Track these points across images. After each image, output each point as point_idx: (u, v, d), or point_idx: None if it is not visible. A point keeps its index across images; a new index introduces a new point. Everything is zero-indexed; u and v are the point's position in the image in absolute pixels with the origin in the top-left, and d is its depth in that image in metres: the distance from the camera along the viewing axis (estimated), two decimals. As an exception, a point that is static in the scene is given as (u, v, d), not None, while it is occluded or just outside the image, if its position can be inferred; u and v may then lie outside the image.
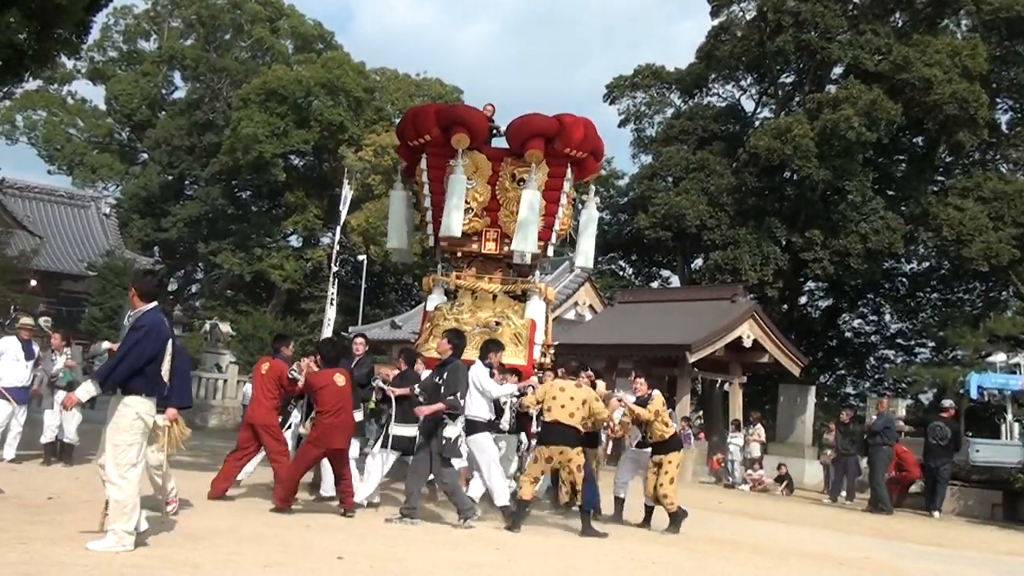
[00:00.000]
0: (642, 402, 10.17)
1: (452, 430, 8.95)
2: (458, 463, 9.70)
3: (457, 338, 9.40)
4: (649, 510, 10.54)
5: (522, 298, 12.94)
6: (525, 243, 12.16)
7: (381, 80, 45.70)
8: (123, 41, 50.36)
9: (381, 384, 10.02)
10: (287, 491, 8.98)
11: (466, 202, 12.49)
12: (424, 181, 12.90)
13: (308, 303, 41.92)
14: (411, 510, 8.91)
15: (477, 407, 9.51)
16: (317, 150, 43.05)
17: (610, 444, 12.27)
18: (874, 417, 17.90)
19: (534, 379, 10.58)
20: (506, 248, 12.66)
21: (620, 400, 10.22)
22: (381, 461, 9.76)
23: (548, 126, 12.37)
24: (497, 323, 12.28)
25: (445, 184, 12.41)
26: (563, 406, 9.29)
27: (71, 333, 23.81)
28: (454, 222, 12.21)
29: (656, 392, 10.35)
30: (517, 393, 10.08)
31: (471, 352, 11.50)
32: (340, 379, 9.07)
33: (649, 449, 10.39)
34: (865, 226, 29.99)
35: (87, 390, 6.47)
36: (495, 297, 12.80)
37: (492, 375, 9.81)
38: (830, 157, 29.83)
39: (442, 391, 8.94)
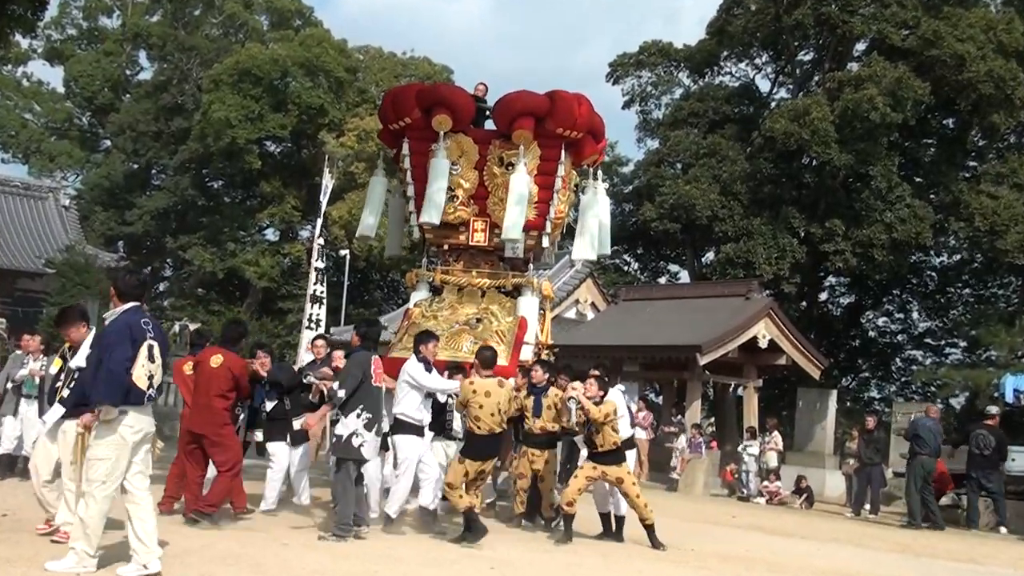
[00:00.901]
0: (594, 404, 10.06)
1: (342, 427, 8.76)
2: (405, 480, 9.63)
3: (367, 327, 9.29)
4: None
5: (514, 294, 12.86)
6: (510, 233, 12.10)
7: (364, 59, 45.63)
8: (83, 18, 50.21)
9: (312, 379, 10.08)
10: (200, 495, 9.06)
11: (451, 189, 12.47)
12: (407, 168, 12.85)
13: (286, 302, 41.85)
14: (343, 527, 8.66)
15: (406, 404, 9.52)
16: (295, 136, 43.00)
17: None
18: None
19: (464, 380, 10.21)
20: (496, 239, 12.60)
21: (572, 392, 9.82)
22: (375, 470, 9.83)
23: (538, 104, 12.32)
24: (478, 320, 12.22)
25: (428, 169, 12.35)
26: (492, 413, 9.44)
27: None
28: (433, 209, 12.14)
29: (613, 395, 10.11)
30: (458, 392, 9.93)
31: (445, 351, 11.46)
32: (216, 360, 9.11)
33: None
34: (890, 215, 29.93)
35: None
36: (483, 293, 12.74)
37: (429, 370, 9.73)
38: (852, 141, 29.76)
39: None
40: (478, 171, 12.70)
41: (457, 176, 12.55)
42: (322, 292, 21.88)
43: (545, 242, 13.03)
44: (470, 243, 12.84)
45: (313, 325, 21.63)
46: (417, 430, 9.63)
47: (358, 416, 8.67)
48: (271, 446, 10.25)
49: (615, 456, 9.76)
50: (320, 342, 11.32)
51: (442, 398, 10.38)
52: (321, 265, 22.26)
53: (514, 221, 12.02)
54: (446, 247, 13.12)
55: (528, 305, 12.70)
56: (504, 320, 12.32)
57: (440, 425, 10.44)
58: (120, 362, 6.34)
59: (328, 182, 24.07)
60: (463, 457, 9.57)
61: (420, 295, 12.96)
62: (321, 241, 23.22)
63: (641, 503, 9.82)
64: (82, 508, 6.35)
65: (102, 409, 6.38)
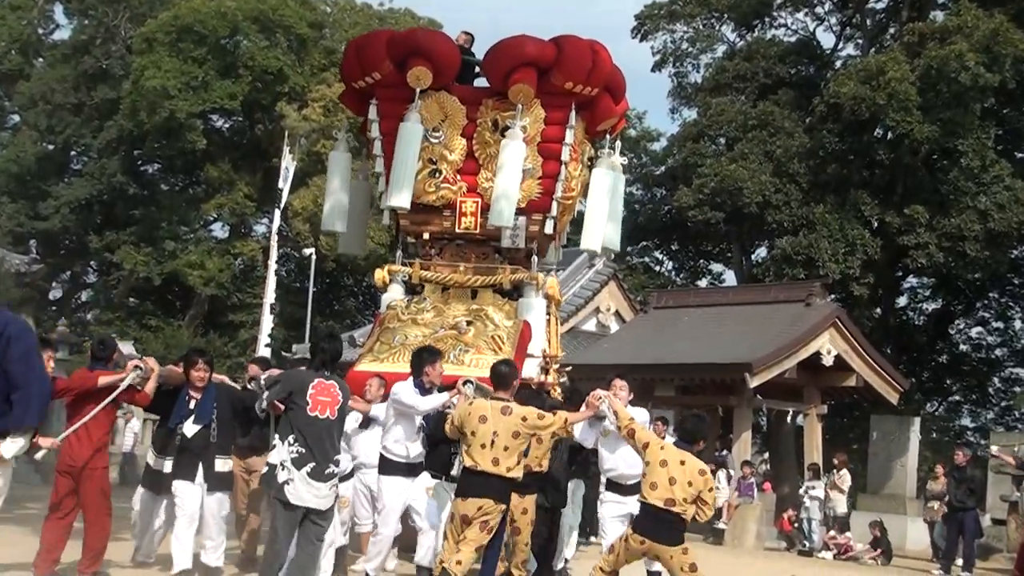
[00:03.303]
0: None
1: (273, 454, 8.65)
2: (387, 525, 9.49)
3: (324, 340, 8.94)
4: None
5: (514, 295, 12.76)
6: (502, 215, 11.97)
7: (332, 12, 45.53)
8: (-14, -35, 50.30)
9: (258, 382, 9.73)
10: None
11: (432, 162, 12.36)
12: (375, 137, 12.71)
13: (238, 313, 41.69)
14: None
15: (393, 436, 9.42)
16: (248, 107, 42.89)
17: None
18: None
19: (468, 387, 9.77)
20: (490, 225, 12.48)
21: (600, 394, 9.49)
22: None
23: (541, 52, 12.19)
24: (468, 323, 12.09)
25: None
26: (483, 445, 8.95)
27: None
28: (401, 189, 12.00)
29: (635, 412, 9.84)
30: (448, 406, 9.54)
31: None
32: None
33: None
34: (985, 200, 29.87)
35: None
36: (475, 294, 12.64)
37: (425, 393, 9.49)
38: (937, 108, 29.74)
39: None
40: (466, 139, 12.59)
41: (439, 145, 12.41)
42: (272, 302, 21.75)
43: (550, 228, 12.89)
44: (457, 230, 12.71)
45: (272, 342, 21.55)
46: (403, 469, 9.47)
47: (289, 446, 8.47)
48: (178, 485, 9.93)
49: (670, 530, 8.73)
50: (255, 368, 11.01)
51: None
52: (274, 265, 22.21)
53: (505, 200, 11.89)
54: (427, 236, 12.97)
55: (532, 307, 12.60)
56: (502, 324, 12.19)
57: (441, 462, 10.08)
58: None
59: (289, 164, 24.01)
60: (454, 496, 9.29)
61: (394, 296, 12.82)
62: (276, 239, 23.23)
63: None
64: None
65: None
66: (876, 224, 31.60)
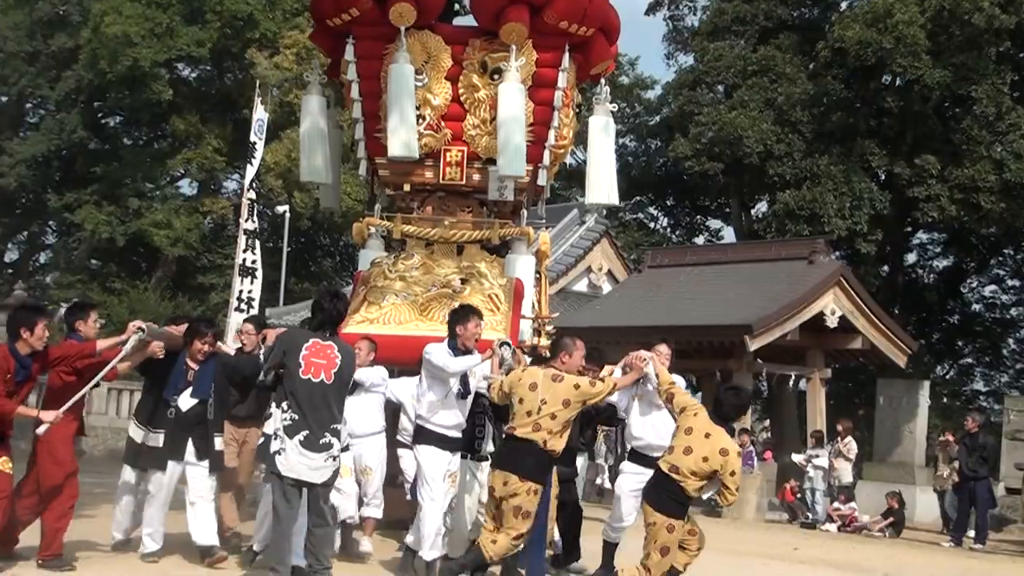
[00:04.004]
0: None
1: (268, 423, 8.62)
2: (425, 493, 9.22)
3: (326, 299, 8.71)
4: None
5: (501, 250, 12.72)
6: (512, 164, 11.80)
7: (307, -49, 45.17)
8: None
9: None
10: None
11: (415, 108, 12.12)
12: (352, 80, 12.50)
13: (208, 275, 41.63)
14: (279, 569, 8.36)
15: (429, 404, 9.18)
16: (216, 56, 42.57)
17: None
18: None
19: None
20: (477, 176, 12.41)
21: (644, 354, 9.34)
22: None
23: None
24: (463, 281, 12.04)
25: (383, 80, 12.07)
26: (529, 412, 8.83)
27: None
28: (404, 136, 11.77)
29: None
30: (488, 372, 9.35)
31: (421, 324, 11.13)
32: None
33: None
34: (1000, 149, 29.91)
35: None
36: (460, 249, 12.56)
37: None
38: (949, 52, 29.75)
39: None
40: (451, 83, 12.44)
41: (423, 89, 12.21)
42: (255, 262, 21.58)
43: (543, 179, 12.90)
44: (441, 181, 12.59)
45: (244, 305, 21.36)
46: (443, 442, 9.24)
47: (283, 413, 8.29)
48: (190, 469, 9.49)
49: (664, 498, 8.69)
50: (249, 326, 10.91)
51: (478, 384, 9.62)
52: (253, 226, 21.95)
53: (515, 148, 11.72)
54: (407, 188, 12.84)
55: (522, 264, 12.59)
56: (496, 282, 12.18)
57: (466, 439, 9.87)
58: None
59: (261, 116, 23.77)
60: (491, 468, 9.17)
61: (374, 253, 12.74)
62: (252, 195, 22.94)
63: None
64: None
65: None
66: (884, 176, 31.64)
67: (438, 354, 9.12)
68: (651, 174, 39.00)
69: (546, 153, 12.59)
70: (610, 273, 31.78)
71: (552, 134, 12.54)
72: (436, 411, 9.18)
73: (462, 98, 12.46)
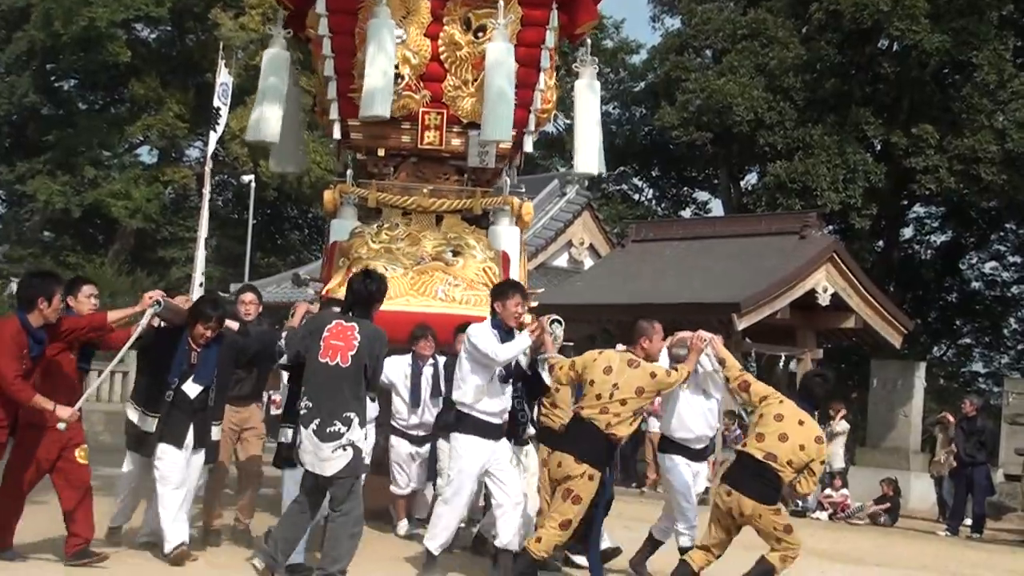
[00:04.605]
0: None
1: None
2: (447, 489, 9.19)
3: (364, 280, 8.62)
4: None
5: (483, 221, 12.68)
6: (497, 128, 11.62)
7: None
8: None
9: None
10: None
11: (394, 66, 11.87)
12: (323, 35, 12.24)
13: (169, 248, 41.68)
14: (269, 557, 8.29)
15: (470, 390, 8.95)
16: (177, 16, 42.53)
17: None
18: None
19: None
20: (456, 140, 12.32)
21: (704, 335, 9.41)
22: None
23: None
24: (455, 253, 11.98)
25: (358, 35, 11.89)
26: (599, 395, 8.74)
27: None
28: (381, 95, 11.52)
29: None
30: (542, 353, 9.32)
31: (412, 299, 11.15)
32: None
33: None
34: (1002, 118, 29.92)
35: None
36: (439, 219, 12.44)
37: (505, 338, 9.01)
38: (948, 15, 29.72)
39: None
40: (430, 39, 12.24)
41: (401, 46, 11.97)
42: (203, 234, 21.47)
43: (528, 144, 12.92)
44: (419, 145, 12.45)
45: (205, 280, 21.30)
46: (486, 429, 9.04)
47: (302, 400, 8.30)
48: (163, 448, 9.18)
49: (764, 486, 8.84)
50: (250, 295, 10.69)
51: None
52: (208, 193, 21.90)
53: (502, 111, 11.55)
54: (382, 152, 12.68)
55: (506, 235, 12.55)
56: (486, 255, 12.15)
57: (510, 424, 9.61)
58: None
59: (225, 80, 23.57)
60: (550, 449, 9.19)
61: (347, 223, 12.53)
62: (211, 164, 22.90)
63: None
64: None
65: None
66: (880, 146, 31.67)
67: (485, 340, 8.91)
68: (636, 143, 38.94)
69: (531, 117, 12.51)
70: (592, 247, 31.79)
71: (538, 97, 12.45)
72: (480, 397, 8.99)
73: (443, 56, 12.27)
